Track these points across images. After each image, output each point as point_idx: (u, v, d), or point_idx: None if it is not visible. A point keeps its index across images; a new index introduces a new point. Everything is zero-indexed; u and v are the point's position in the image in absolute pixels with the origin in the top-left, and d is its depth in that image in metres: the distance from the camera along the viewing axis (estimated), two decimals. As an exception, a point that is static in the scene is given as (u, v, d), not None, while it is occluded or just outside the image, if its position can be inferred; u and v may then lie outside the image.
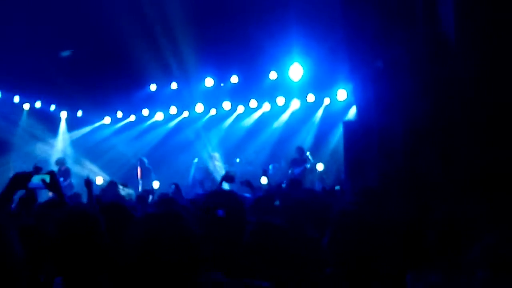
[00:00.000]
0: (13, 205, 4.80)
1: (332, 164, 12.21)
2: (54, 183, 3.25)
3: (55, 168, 12.61)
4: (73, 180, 12.67)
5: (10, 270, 1.41)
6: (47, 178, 3.22)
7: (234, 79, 13.62)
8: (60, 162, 12.47)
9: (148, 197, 6.75)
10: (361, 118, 6.83)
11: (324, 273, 2.52)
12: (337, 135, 12.05)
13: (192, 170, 13.21)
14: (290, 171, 11.81)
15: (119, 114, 15.22)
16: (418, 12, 4.45)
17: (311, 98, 13.35)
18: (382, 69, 4.67)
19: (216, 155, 13.30)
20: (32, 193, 4.82)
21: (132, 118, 15.40)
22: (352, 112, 11.52)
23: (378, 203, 3.21)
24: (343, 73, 10.63)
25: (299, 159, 11.83)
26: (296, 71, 12.31)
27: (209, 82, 13.80)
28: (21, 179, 2.97)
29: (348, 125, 7.92)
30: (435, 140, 4.15)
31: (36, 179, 3.14)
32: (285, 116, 14.11)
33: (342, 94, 12.51)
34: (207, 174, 13.17)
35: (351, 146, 7.28)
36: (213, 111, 14.87)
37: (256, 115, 14.50)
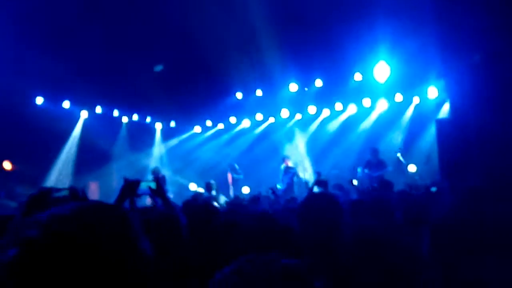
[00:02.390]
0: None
1: (425, 164, 11.70)
2: (159, 190, 3.43)
3: (150, 177, 13.42)
4: (169, 187, 13.38)
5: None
6: (153, 185, 3.40)
7: (318, 82, 13.56)
8: (156, 171, 13.18)
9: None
10: (456, 116, 6.49)
11: (423, 280, 2.45)
12: (429, 134, 11.53)
13: (280, 175, 13.31)
14: (366, 172, 11.35)
15: (208, 123, 15.88)
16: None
17: (399, 97, 12.91)
18: (481, 62, 4.42)
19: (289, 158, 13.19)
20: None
21: (221, 126, 15.97)
22: (445, 110, 10.96)
23: (485, 204, 3.00)
24: (434, 69, 10.17)
25: (374, 161, 11.38)
26: (382, 71, 11.96)
27: (293, 87, 13.88)
28: (132, 186, 3.17)
29: (442, 124, 7.51)
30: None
31: (143, 186, 3.30)
32: (372, 118, 13.77)
33: (432, 92, 11.94)
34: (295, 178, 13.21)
35: (447, 145, 6.91)
36: (298, 116, 14.95)
37: (342, 117, 14.32)
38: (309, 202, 2.93)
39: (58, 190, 2.55)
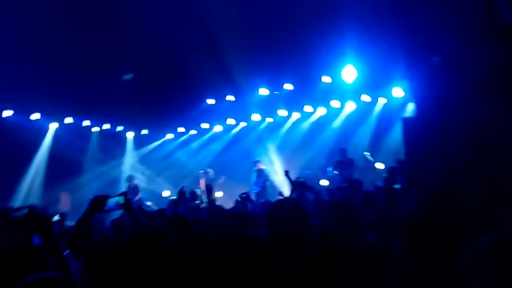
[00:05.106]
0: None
1: (393, 162, 12.03)
2: (127, 204, 3.42)
3: (125, 185, 13.35)
4: (143, 194, 13.34)
5: None
6: (121, 200, 3.40)
7: (288, 86, 13.81)
8: (129, 179, 13.20)
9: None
10: (420, 114, 6.74)
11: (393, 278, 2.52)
12: (396, 133, 11.89)
13: (253, 179, 13.43)
14: (336, 173, 11.68)
15: (181, 129, 15.91)
16: (478, 3, 4.41)
17: (366, 98, 13.27)
18: (441, 64, 4.68)
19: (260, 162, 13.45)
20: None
21: (193, 132, 16.02)
22: (410, 109, 11.35)
23: (446, 202, 3.11)
24: (399, 70, 10.51)
25: (344, 161, 11.75)
26: (349, 73, 12.28)
27: (263, 91, 14.09)
28: (99, 202, 3.14)
29: (407, 122, 7.75)
30: (502, 135, 4.09)
31: (111, 202, 3.30)
32: (341, 119, 14.11)
33: (398, 92, 12.33)
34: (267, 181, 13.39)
35: (411, 143, 7.14)
36: (269, 119, 15.16)
37: (312, 119, 14.61)
38: (275, 211, 2.96)
39: (18, 209, 2.54)
